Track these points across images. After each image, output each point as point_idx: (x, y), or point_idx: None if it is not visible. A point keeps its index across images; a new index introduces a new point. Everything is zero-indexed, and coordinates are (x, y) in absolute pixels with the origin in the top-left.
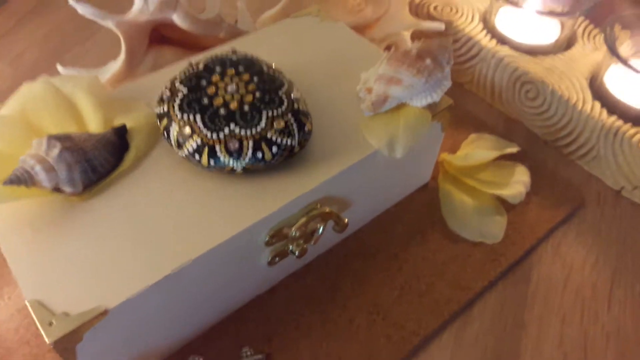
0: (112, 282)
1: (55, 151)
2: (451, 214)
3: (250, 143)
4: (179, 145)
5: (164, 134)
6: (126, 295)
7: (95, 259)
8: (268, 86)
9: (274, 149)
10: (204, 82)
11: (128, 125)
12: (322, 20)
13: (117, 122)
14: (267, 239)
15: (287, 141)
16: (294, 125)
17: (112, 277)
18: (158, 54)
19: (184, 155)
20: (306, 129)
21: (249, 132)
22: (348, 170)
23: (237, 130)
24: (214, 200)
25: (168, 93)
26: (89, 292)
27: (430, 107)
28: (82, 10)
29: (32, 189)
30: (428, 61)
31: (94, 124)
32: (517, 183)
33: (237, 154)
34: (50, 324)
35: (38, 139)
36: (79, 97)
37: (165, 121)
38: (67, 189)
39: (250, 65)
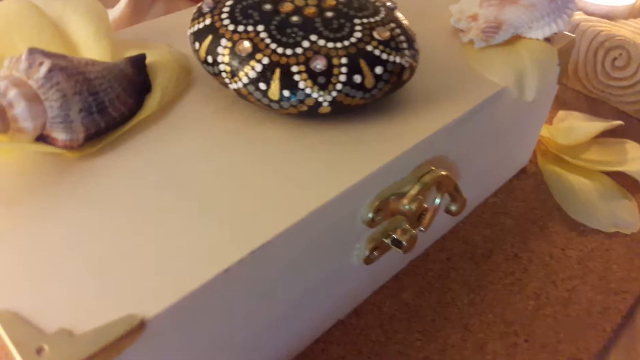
0: (145, 280)
1: (43, 70)
2: (571, 200)
3: (344, 60)
4: (232, 74)
5: (205, 61)
6: (174, 298)
7: (109, 245)
8: None
9: (378, 69)
10: None
11: (148, 60)
12: None
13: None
14: (370, 214)
15: (395, 59)
16: (403, 37)
17: (144, 272)
18: (169, 4)
19: (239, 86)
20: (415, 45)
21: (339, 45)
22: (470, 114)
23: (321, 43)
24: (289, 156)
25: (210, 3)
26: (105, 295)
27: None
28: None
29: (3, 138)
30: None
31: (97, 55)
32: (637, 159)
33: (325, 77)
34: (40, 351)
35: (11, 57)
36: (74, 20)
37: (207, 40)
38: (61, 135)
39: None
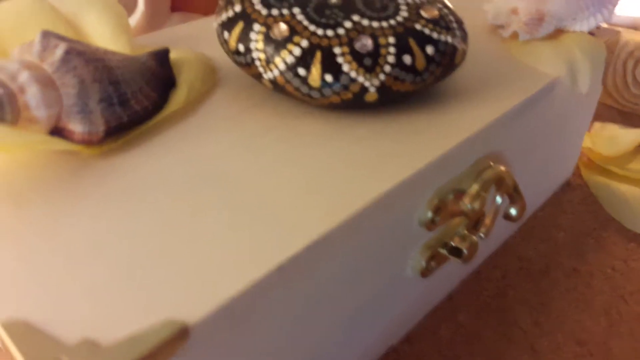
0: (183, 282)
1: (59, 52)
2: (625, 210)
3: (392, 39)
4: (267, 61)
5: (235, 51)
6: (221, 299)
7: (137, 247)
8: None
9: (429, 49)
10: None
11: (171, 58)
12: None
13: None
14: (429, 214)
15: (446, 39)
16: (451, 17)
17: (180, 274)
18: (186, 17)
19: (275, 75)
20: (464, 27)
21: (385, 24)
22: (526, 104)
23: (365, 23)
24: (333, 150)
25: None
26: (135, 300)
27: None
28: None
29: (13, 131)
30: None
31: (117, 49)
32: None
33: (371, 59)
34: None
35: (22, 44)
36: (90, 17)
37: (238, 28)
38: (78, 127)
39: None
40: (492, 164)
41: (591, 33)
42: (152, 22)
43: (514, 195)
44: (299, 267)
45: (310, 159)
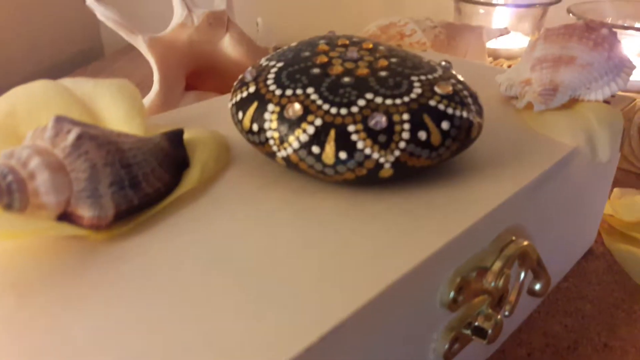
0: None
1: (71, 137)
2: None
3: (406, 116)
4: (281, 140)
5: (250, 130)
6: None
7: (149, 337)
8: (404, 54)
9: (445, 124)
10: (306, 53)
11: (185, 138)
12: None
13: None
14: (452, 294)
15: (461, 114)
16: (466, 92)
17: None
18: (200, 96)
19: (288, 153)
20: (479, 101)
21: (399, 101)
22: (547, 175)
23: (378, 100)
24: (349, 227)
25: (253, 72)
26: None
27: None
28: (102, 14)
29: (21, 218)
30: (605, 31)
31: (131, 131)
32: None
33: (386, 135)
34: None
35: (36, 128)
36: (105, 100)
37: (252, 108)
38: (87, 212)
39: (368, 39)
40: (514, 238)
41: (606, 101)
42: (167, 101)
43: (537, 270)
44: (316, 357)
45: (326, 238)
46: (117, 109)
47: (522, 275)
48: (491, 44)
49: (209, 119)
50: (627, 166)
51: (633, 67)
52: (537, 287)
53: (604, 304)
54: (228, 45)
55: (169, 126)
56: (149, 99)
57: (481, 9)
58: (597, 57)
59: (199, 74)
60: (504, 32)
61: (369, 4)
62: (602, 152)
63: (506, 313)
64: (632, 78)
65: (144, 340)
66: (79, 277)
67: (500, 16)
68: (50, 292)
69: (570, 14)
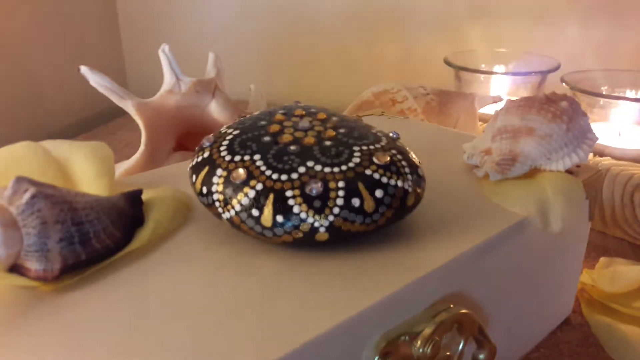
0: None
1: (26, 196)
2: (625, 353)
3: (341, 183)
4: (225, 202)
5: (200, 192)
6: None
7: None
8: (354, 124)
9: (378, 193)
10: (262, 122)
11: (146, 197)
12: (390, 118)
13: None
14: (376, 358)
15: (396, 182)
16: (404, 162)
17: None
18: (186, 156)
19: (231, 215)
20: (420, 172)
21: (336, 170)
22: (489, 244)
23: (317, 168)
24: (280, 287)
25: (211, 139)
26: None
27: None
28: (95, 81)
29: None
30: (564, 103)
31: (96, 192)
32: None
33: (321, 201)
34: None
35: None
36: (77, 162)
37: (203, 172)
38: (34, 265)
39: (325, 110)
40: (451, 306)
41: (569, 171)
42: (153, 159)
43: (480, 338)
44: None
45: (256, 297)
46: (88, 169)
47: (462, 344)
48: (486, 110)
49: (181, 179)
50: (621, 234)
51: (595, 139)
52: (481, 357)
53: None
54: (215, 110)
55: (146, 185)
56: (135, 158)
57: (481, 77)
58: (556, 129)
59: (190, 136)
60: (497, 99)
61: (368, 70)
62: (554, 223)
63: None
64: (628, 146)
65: None
66: (21, 324)
67: (499, 84)
68: None
69: (564, 84)
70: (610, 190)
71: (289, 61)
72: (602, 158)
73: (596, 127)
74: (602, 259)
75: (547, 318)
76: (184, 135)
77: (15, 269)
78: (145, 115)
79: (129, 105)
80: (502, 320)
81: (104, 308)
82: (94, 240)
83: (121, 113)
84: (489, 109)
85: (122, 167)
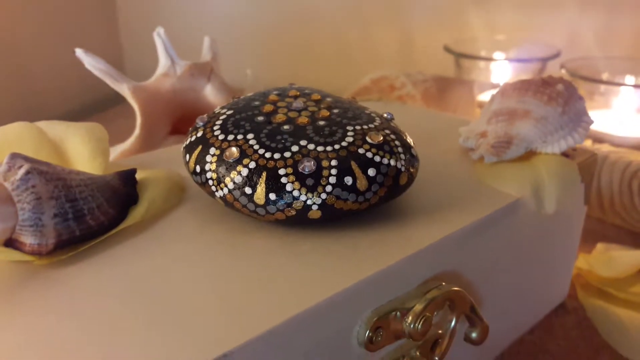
0: None
1: (21, 172)
2: (620, 337)
3: (334, 162)
4: (219, 181)
5: (193, 171)
6: None
7: (62, 355)
8: (348, 105)
9: (371, 171)
10: (256, 103)
11: (140, 176)
12: (387, 103)
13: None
14: (368, 334)
15: (389, 161)
16: (397, 142)
17: None
18: (182, 139)
19: (224, 193)
20: (413, 152)
21: (329, 149)
22: (481, 224)
23: (310, 147)
24: (274, 263)
25: (205, 118)
26: None
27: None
28: (90, 63)
29: None
30: (560, 86)
31: (90, 171)
32: None
33: (314, 179)
34: None
35: None
36: (72, 142)
37: (197, 151)
38: (29, 239)
39: (319, 91)
40: (443, 284)
41: (565, 154)
42: (148, 143)
43: (471, 316)
44: None
45: (249, 273)
46: (83, 149)
47: (454, 321)
48: (485, 97)
49: (175, 161)
50: (620, 222)
51: (590, 122)
52: (474, 335)
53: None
54: (210, 94)
55: (140, 165)
56: (130, 141)
57: (481, 64)
58: (551, 112)
59: (186, 119)
60: (496, 86)
61: (366, 57)
62: (548, 204)
63: (436, 359)
64: (627, 134)
65: (57, 355)
66: (16, 296)
67: (499, 71)
68: None
69: (563, 70)
70: (608, 178)
71: (286, 48)
72: (600, 145)
73: (596, 115)
74: (599, 245)
75: (542, 301)
76: (179, 118)
77: (10, 243)
78: (140, 98)
79: (124, 88)
80: (496, 301)
81: (98, 284)
82: (88, 217)
83: (117, 102)
84: (488, 96)
85: (117, 150)
